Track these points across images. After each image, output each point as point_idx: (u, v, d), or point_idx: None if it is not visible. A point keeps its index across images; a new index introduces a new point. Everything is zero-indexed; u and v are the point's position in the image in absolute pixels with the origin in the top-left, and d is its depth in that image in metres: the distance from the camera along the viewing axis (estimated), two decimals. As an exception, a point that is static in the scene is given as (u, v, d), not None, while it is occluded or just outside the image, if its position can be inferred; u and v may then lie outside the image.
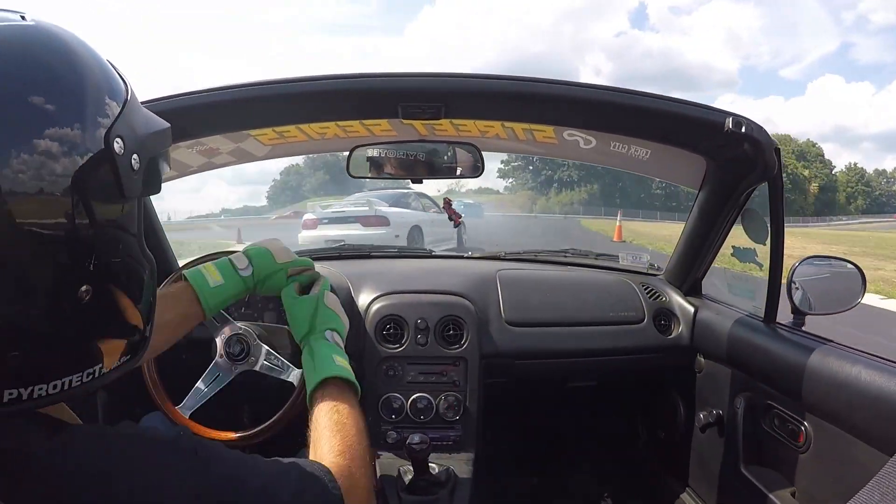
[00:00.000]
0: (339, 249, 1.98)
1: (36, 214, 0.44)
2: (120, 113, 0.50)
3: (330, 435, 0.76)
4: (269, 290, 1.03)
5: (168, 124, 0.60)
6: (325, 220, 9.27)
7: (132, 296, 0.54)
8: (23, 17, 0.47)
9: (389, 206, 9.41)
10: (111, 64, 0.54)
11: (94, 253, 0.48)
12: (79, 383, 0.48)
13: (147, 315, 0.57)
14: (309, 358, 0.90)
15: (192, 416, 1.16)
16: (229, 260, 0.99)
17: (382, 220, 8.96)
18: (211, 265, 0.98)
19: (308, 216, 9.80)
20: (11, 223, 0.42)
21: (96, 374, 0.50)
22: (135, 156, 0.50)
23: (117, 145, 0.48)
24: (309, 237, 8.80)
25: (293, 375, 1.16)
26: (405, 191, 10.07)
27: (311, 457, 0.73)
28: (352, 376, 0.89)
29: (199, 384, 1.17)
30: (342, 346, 0.96)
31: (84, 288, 0.47)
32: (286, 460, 0.63)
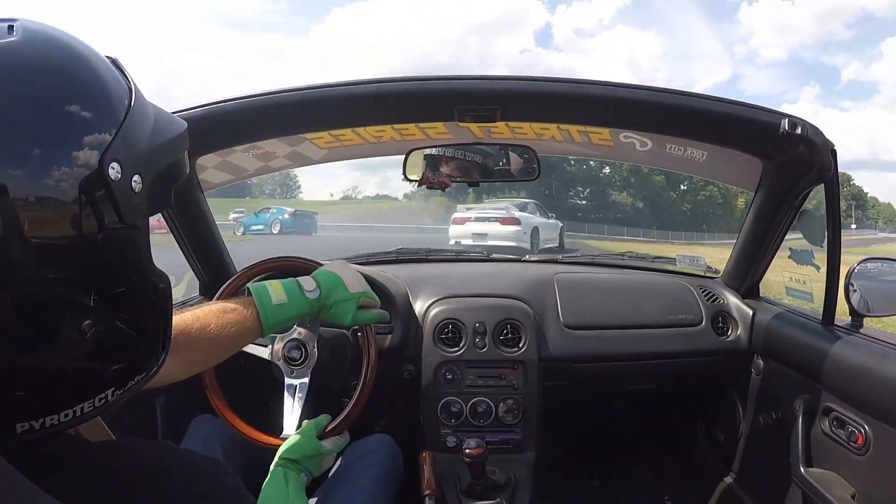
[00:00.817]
0: (397, 253, 1.99)
1: (47, 228, 0.41)
2: (119, 132, 0.45)
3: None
4: (335, 318, 1.03)
5: (184, 126, 0.55)
6: (472, 219, 11.58)
7: (142, 318, 0.50)
8: (10, 28, 0.44)
9: (519, 210, 11.89)
10: (114, 62, 0.50)
11: (97, 283, 0.45)
12: (91, 409, 0.47)
13: (161, 332, 0.54)
14: (283, 482, 0.92)
15: (246, 422, 1.16)
16: (296, 281, 0.99)
17: (515, 221, 11.33)
18: (277, 283, 0.97)
19: (457, 215, 12.06)
20: (22, 239, 0.40)
21: (108, 398, 0.48)
22: (136, 176, 0.46)
23: (112, 171, 0.44)
24: (459, 231, 11.47)
25: (288, 425, 1.13)
26: (526, 200, 13.02)
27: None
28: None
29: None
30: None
31: (87, 322, 0.44)
32: None
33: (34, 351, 0.42)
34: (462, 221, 11.67)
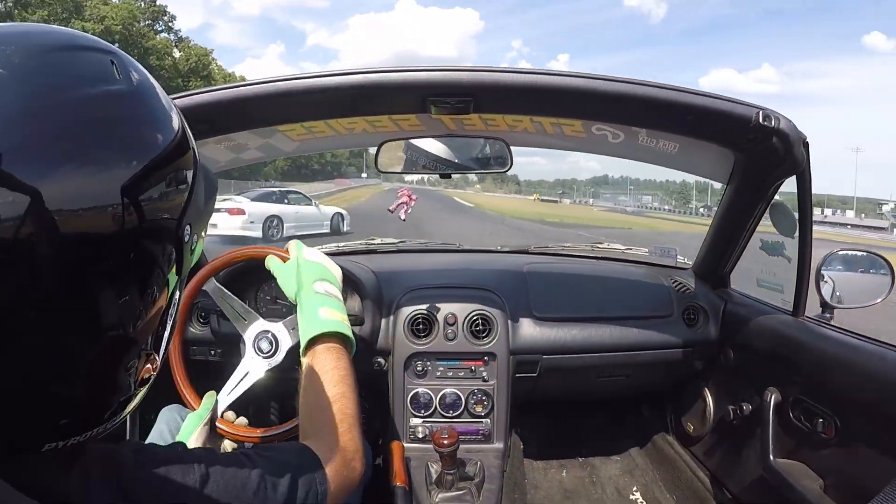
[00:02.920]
0: (368, 244, 1.98)
1: (133, 282, 0.44)
2: (192, 198, 0.48)
3: (319, 392, 0.77)
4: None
5: (217, 182, 0.59)
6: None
7: (158, 351, 0.53)
8: (113, 65, 0.45)
9: (250, 200, 12.24)
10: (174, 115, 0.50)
11: (145, 317, 0.47)
12: (103, 430, 0.49)
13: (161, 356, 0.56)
14: (300, 316, 0.90)
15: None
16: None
17: (240, 211, 11.47)
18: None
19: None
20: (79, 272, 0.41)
21: (119, 416, 0.50)
22: (195, 235, 0.49)
23: (185, 231, 0.47)
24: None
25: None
26: (273, 189, 13.23)
27: (301, 423, 0.77)
28: (339, 327, 0.87)
29: (229, 383, 1.16)
30: (336, 293, 0.94)
31: (134, 361, 0.47)
32: (280, 457, 0.64)
33: (87, 377, 0.45)
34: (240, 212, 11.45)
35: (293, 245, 1.03)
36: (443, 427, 1.26)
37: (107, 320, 0.43)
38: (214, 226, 10.44)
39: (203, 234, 0.54)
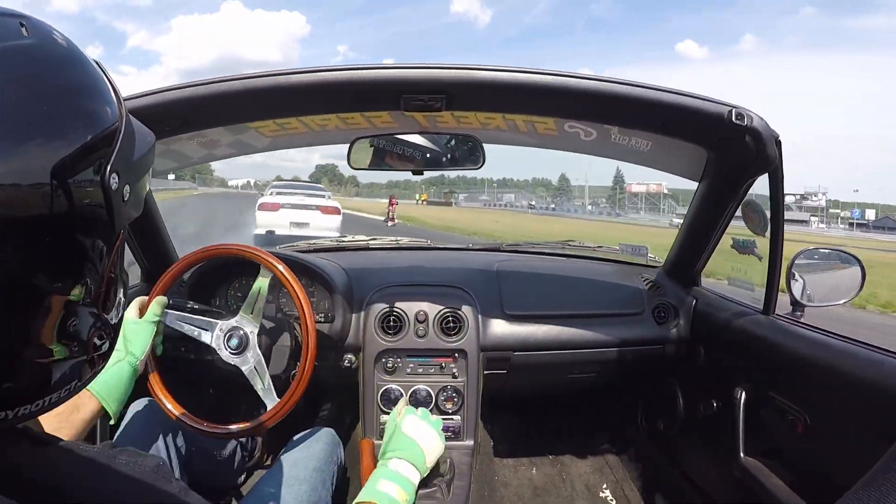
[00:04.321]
0: (339, 241, 1.98)
1: (46, 224, 0.42)
2: (117, 145, 0.47)
3: None
4: (144, 345, 1.06)
5: (153, 137, 0.56)
6: (288, 205, 10.04)
7: (108, 312, 0.52)
8: (22, 25, 0.44)
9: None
10: (101, 68, 0.50)
11: (83, 283, 0.46)
12: (57, 398, 0.47)
13: (117, 325, 0.55)
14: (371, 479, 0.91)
15: (186, 408, 1.16)
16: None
17: (336, 210, 10.14)
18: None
19: (266, 199, 10.42)
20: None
21: (72, 388, 0.49)
22: (126, 186, 0.48)
23: (113, 180, 0.46)
24: (271, 219, 9.88)
25: (269, 401, 1.15)
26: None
27: None
28: (387, 502, 0.87)
29: (190, 319, 1.17)
30: (411, 475, 0.93)
31: (73, 321, 0.45)
32: None
33: (27, 342, 0.43)
34: (275, 207, 10.13)
35: (405, 414, 1.03)
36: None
37: (32, 277, 0.42)
38: (305, 225, 9.75)
39: (142, 188, 0.53)
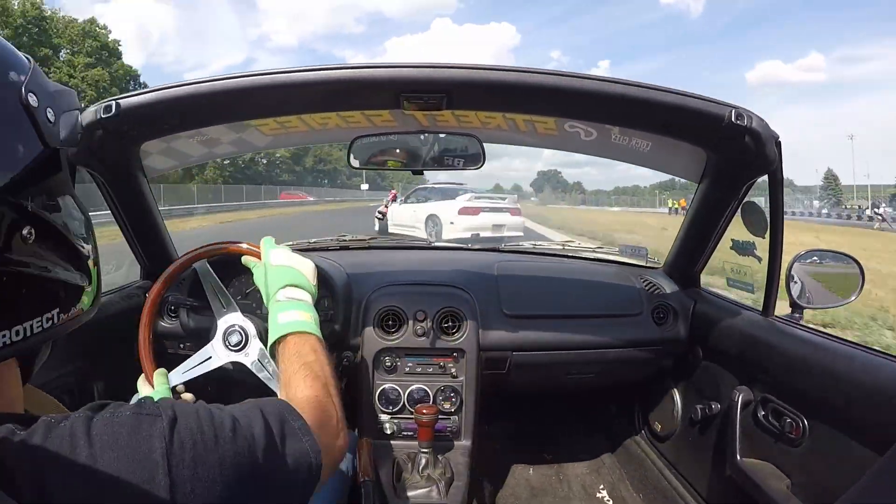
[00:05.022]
0: (339, 240, 1.98)
1: None
2: (30, 73, 0.52)
3: (294, 377, 0.79)
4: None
5: (72, 91, 0.62)
6: (486, 209, 10.74)
7: (75, 241, 0.55)
8: None
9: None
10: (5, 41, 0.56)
11: (29, 196, 0.50)
12: (40, 329, 0.50)
13: (95, 263, 0.59)
14: (269, 322, 0.91)
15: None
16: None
17: (519, 212, 11.13)
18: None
19: (466, 204, 10.90)
20: None
21: (55, 321, 0.51)
22: (49, 108, 0.53)
23: (31, 98, 0.51)
24: (473, 222, 10.47)
25: (278, 388, 1.15)
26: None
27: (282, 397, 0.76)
28: (300, 326, 0.89)
29: (188, 362, 1.17)
30: (302, 296, 0.95)
31: (27, 230, 0.48)
32: (248, 403, 0.64)
33: None
34: (475, 212, 10.68)
35: (263, 245, 1.03)
36: (423, 403, 1.29)
37: None
38: (503, 226, 10.32)
39: (71, 119, 0.57)
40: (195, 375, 1.16)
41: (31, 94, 0.51)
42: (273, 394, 1.15)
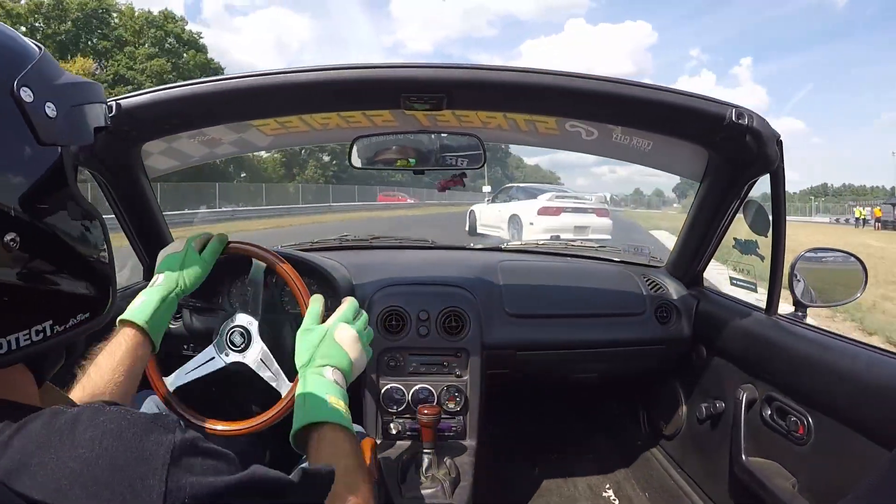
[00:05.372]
0: (341, 239, 1.98)
1: None
2: (30, 66, 0.50)
3: (348, 478, 0.70)
4: (198, 282, 1.05)
5: (90, 80, 0.59)
6: (569, 209, 10.28)
7: (76, 246, 0.52)
8: None
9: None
10: (14, 30, 0.54)
11: (16, 199, 0.46)
12: (28, 342, 0.46)
13: (103, 269, 0.55)
14: (300, 391, 0.83)
15: (179, 398, 1.15)
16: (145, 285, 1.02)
17: (607, 213, 10.38)
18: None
19: (547, 203, 10.40)
20: None
21: (48, 332, 0.48)
22: (49, 103, 0.50)
23: (24, 93, 0.48)
24: (554, 223, 9.80)
25: (283, 387, 1.14)
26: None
27: None
28: (347, 421, 0.80)
29: (190, 362, 1.16)
30: (343, 384, 0.87)
31: (10, 236, 0.45)
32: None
33: None
34: (556, 212, 10.12)
35: (343, 310, 0.95)
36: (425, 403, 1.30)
37: None
38: (586, 228, 9.82)
39: (81, 116, 0.54)
40: (197, 377, 1.15)
41: (24, 87, 0.48)
42: (276, 394, 1.15)
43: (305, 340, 0.91)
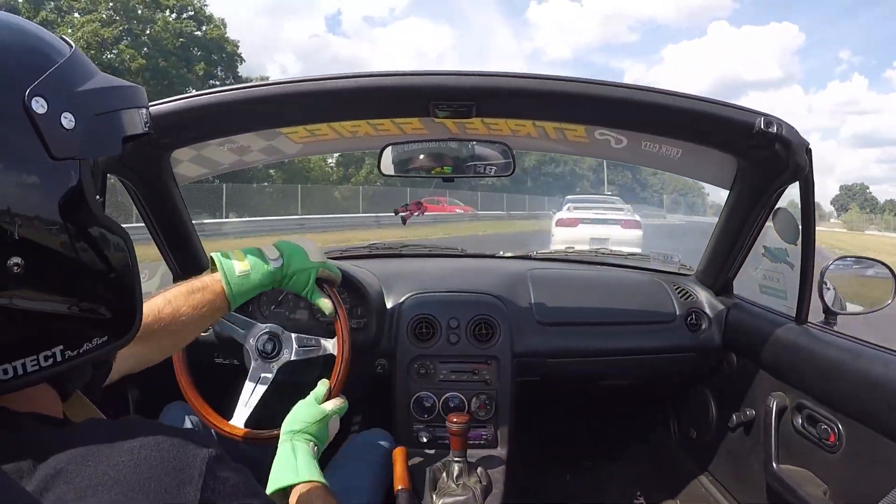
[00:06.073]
0: (371, 248, 1.99)
1: None
2: (47, 73, 0.46)
3: None
4: (295, 287, 1.02)
5: (127, 83, 0.55)
6: (587, 220, 10.02)
7: (91, 267, 0.48)
8: None
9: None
10: (42, 29, 0.51)
11: (21, 220, 0.43)
12: (36, 368, 0.44)
13: (124, 290, 0.51)
14: (289, 454, 0.90)
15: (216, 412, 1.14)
16: (259, 250, 0.98)
17: (637, 224, 9.86)
18: (239, 252, 0.97)
19: (564, 215, 10.37)
20: None
21: (57, 357, 0.45)
22: (67, 114, 0.46)
23: (36, 104, 0.44)
24: (570, 235, 9.63)
25: (331, 345, 1.15)
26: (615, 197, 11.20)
27: None
28: (326, 482, 0.88)
29: (245, 393, 1.14)
30: (314, 454, 0.95)
31: (14, 261, 0.42)
32: None
33: None
34: (574, 223, 10.00)
35: (338, 402, 1.03)
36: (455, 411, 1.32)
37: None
38: (605, 240, 8.89)
39: (105, 126, 0.50)
40: (255, 404, 1.14)
41: (38, 98, 0.44)
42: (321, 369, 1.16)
43: (305, 412, 0.98)
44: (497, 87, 1.09)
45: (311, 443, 0.94)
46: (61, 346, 0.46)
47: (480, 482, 1.27)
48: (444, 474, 1.27)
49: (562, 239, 9.60)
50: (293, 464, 0.88)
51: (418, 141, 1.30)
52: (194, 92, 1.12)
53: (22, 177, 0.43)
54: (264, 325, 1.18)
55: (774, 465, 1.22)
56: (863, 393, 1.04)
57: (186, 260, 1.47)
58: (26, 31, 0.49)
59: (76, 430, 0.45)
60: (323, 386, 1.04)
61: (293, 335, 1.17)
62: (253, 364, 1.16)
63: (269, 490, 0.85)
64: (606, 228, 9.85)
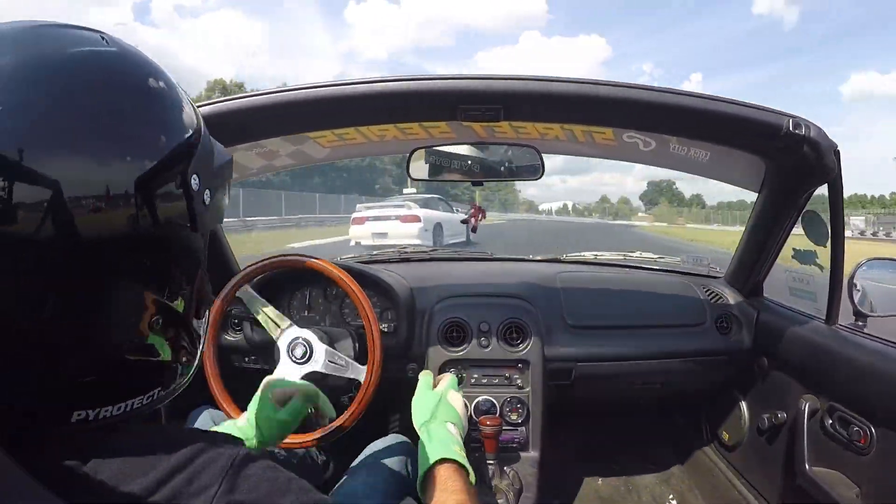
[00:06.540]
0: (399, 252, 1.99)
1: (134, 226, 0.43)
2: (198, 147, 0.49)
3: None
4: (280, 430, 0.99)
5: (230, 156, 0.59)
6: (371, 218, 11.22)
7: (189, 324, 0.54)
8: (103, 38, 0.47)
9: (421, 207, 11.55)
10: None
11: (168, 285, 0.48)
12: (139, 405, 0.48)
13: (197, 341, 0.57)
14: (426, 440, 0.92)
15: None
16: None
17: (415, 218, 11.02)
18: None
19: (356, 215, 11.87)
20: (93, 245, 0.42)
21: (155, 397, 0.50)
22: (207, 191, 0.50)
23: (194, 182, 0.48)
24: (358, 231, 11.18)
25: (358, 373, 1.18)
26: (430, 196, 12.56)
27: None
28: (468, 465, 0.89)
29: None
30: (460, 439, 0.96)
31: (156, 318, 0.47)
32: None
33: (109, 339, 0.45)
34: (361, 221, 11.43)
35: (446, 381, 1.08)
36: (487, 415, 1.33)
37: (119, 275, 0.44)
38: (384, 235, 10.62)
39: (223, 195, 0.55)
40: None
41: (195, 175, 0.47)
42: (345, 384, 1.19)
43: (423, 403, 1.02)
44: (526, 91, 1.09)
45: (448, 424, 0.97)
46: (159, 388, 0.51)
47: (513, 485, 1.28)
48: (477, 477, 1.27)
49: (354, 235, 11.23)
50: (427, 447, 0.90)
51: (446, 145, 1.31)
52: (222, 97, 1.13)
53: (177, 242, 0.48)
54: (301, 331, 1.19)
55: (807, 467, 1.22)
56: (893, 394, 1.04)
57: (216, 267, 1.47)
58: (178, 91, 0.50)
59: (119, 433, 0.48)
60: (428, 376, 1.09)
61: (325, 348, 1.19)
62: (280, 363, 1.19)
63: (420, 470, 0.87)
64: (386, 224, 11.11)
